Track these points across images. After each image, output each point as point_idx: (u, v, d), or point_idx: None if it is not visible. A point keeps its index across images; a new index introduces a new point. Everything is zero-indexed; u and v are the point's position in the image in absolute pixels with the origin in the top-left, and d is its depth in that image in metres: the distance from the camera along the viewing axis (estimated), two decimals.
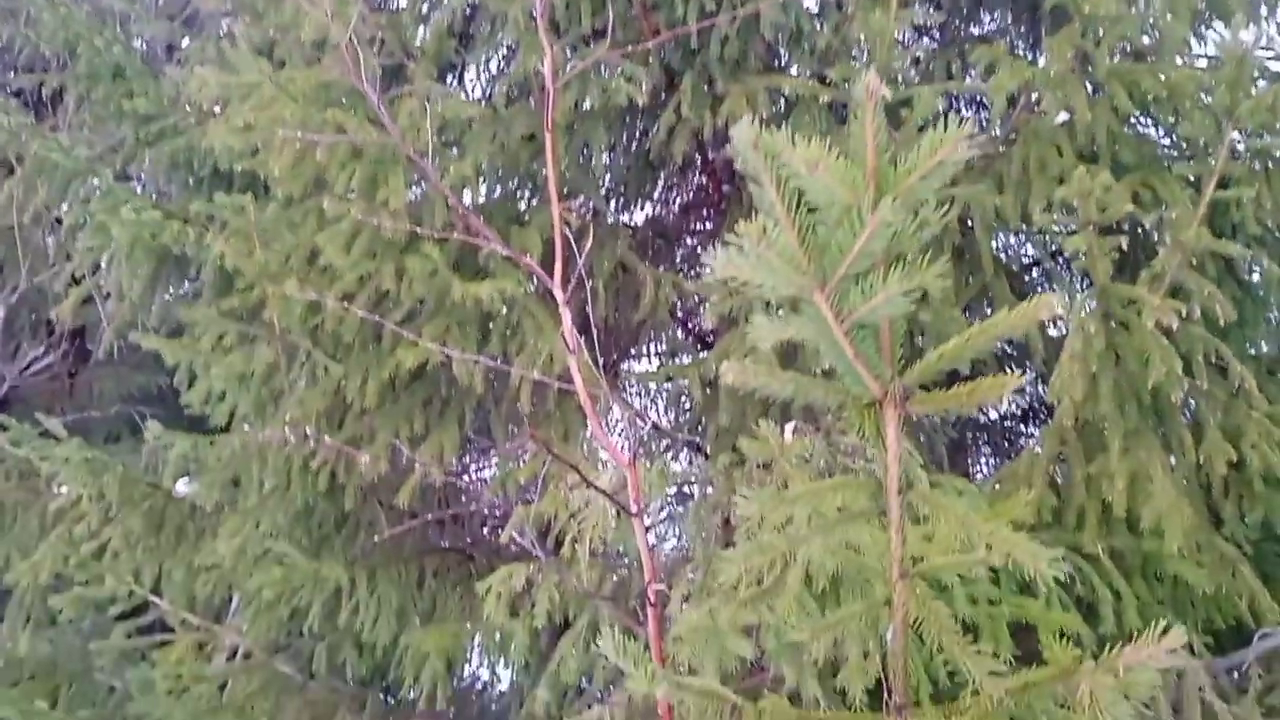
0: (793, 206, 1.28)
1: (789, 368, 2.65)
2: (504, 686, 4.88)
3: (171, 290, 4.68)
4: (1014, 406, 5.37)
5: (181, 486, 4.20)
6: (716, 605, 2.98)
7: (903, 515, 1.52)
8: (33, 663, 4.44)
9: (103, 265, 4.27)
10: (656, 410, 4.92)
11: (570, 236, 3.03)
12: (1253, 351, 4.05)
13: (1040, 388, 5.33)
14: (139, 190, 4.90)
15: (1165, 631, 1.30)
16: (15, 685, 4.29)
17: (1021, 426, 5.35)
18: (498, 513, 4.75)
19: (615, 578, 3.43)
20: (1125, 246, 3.03)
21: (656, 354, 5.15)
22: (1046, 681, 1.41)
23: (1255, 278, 3.92)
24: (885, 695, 1.92)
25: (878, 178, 1.23)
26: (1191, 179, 3.40)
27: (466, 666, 4.91)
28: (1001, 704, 1.44)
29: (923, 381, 1.41)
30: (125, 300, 4.30)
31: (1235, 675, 3.26)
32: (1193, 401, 3.29)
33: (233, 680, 3.94)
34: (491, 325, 3.75)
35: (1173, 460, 3.26)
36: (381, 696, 4.34)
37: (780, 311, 1.43)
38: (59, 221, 5.70)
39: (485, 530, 4.80)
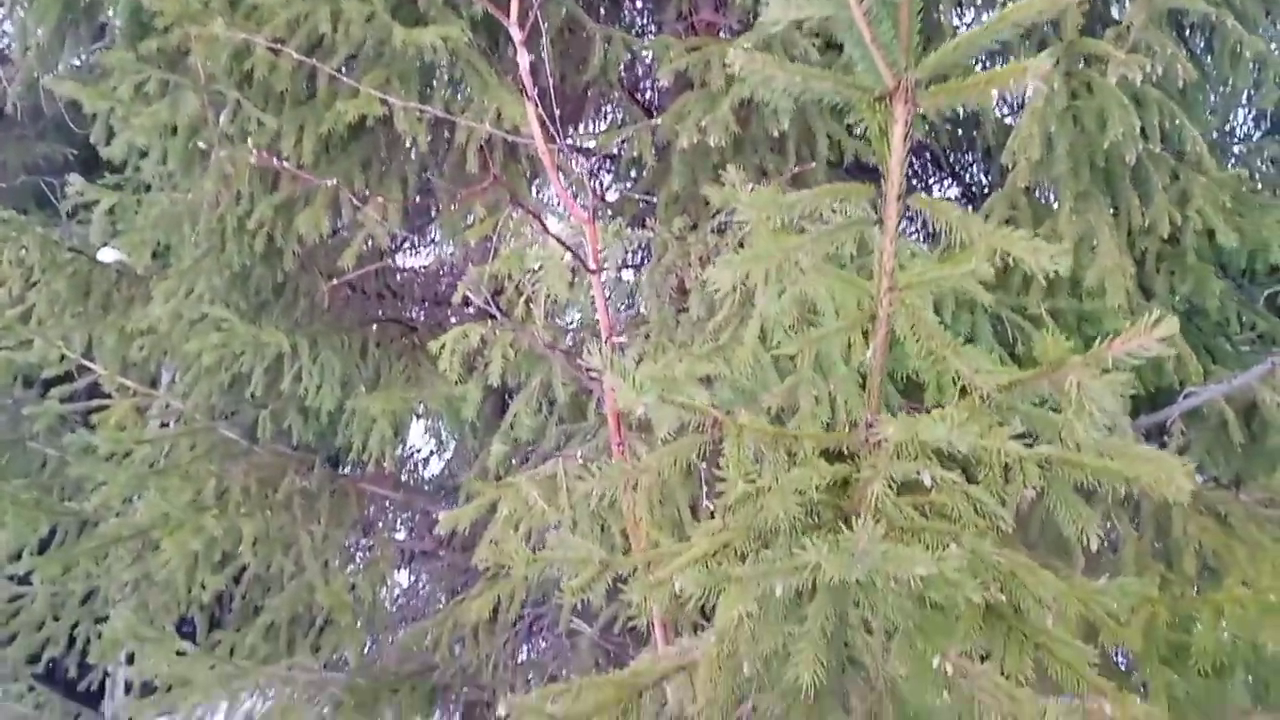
0: None
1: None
2: (449, 454, 4.96)
3: (81, 49, 4.34)
4: (955, 188, 5.40)
5: (107, 254, 4.02)
6: (673, 358, 3.02)
7: (898, 223, 1.50)
8: None
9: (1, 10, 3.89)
10: (600, 185, 4.82)
11: None
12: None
13: (981, 174, 5.38)
14: None
15: (1157, 322, 1.33)
16: None
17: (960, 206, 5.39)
18: (440, 285, 4.68)
19: (569, 340, 3.43)
20: None
21: (601, 132, 4.99)
22: (1035, 378, 1.44)
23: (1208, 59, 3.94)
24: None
25: None
26: None
27: (409, 439, 4.96)
28: (988, 400, 1.47)
29: (937, 74, 1.36)
30: (29, 52, 3.96)
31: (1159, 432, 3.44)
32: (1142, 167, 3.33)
33: (175, 445, 3.90)
34: (434, 81, 3.55)
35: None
36: (328, 464, 4.36)
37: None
38: None
39: (426, 305, 4.75)
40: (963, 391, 1.52)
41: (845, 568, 1.46)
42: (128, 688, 4.78)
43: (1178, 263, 3.46)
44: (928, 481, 1.67)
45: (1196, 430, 3.49)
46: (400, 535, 4.91)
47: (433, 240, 5.03)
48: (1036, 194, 3.50)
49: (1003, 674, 1.79)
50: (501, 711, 1.82)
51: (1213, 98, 4.29)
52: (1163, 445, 3.38)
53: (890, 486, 1.67)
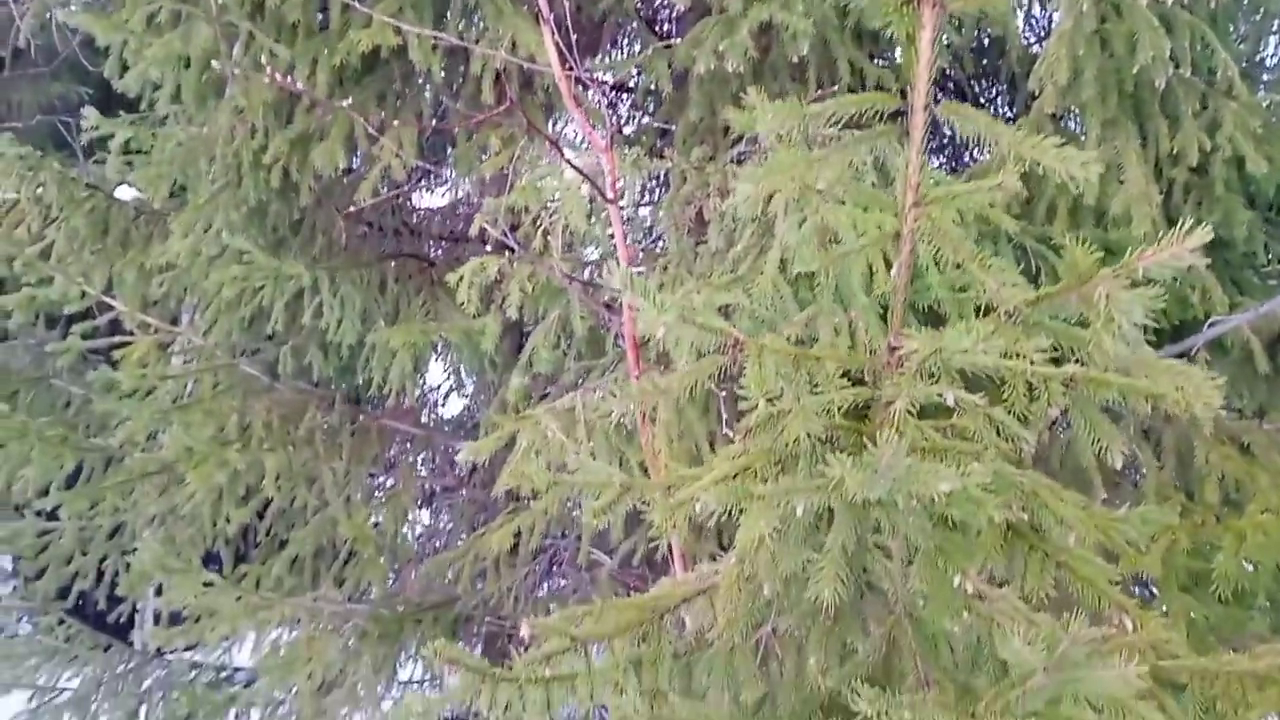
0: None
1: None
2: (468, 393, 4.98)
3: None
4: None
5: (124, 191, 4.01)
6: (693, 288, 3.00)
7: (925, 134, 1.46)
8: None
9: None
10: (618, 117, 4.76)
11: None
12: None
13: (1005, 105, 5.28)
14: None
15: (1189, 233, 1.30)
16: None
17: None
18: (458, 222, 4.66)
19: (586, 273, 3.41)
20: None
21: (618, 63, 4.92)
22: (1062, 291, 1.42)
23: None
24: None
25: None
26: None
27: (429, 378, 4.98)
28: (1015, 315, 1.45)
29: None
30: None
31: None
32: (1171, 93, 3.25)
33: (198, 381, 3.93)
34: (448, 11, 3.50)
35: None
36: (349, 401, 4.38)
37: None
38: None
39: (443, 242, 4.73)
40: (987, 311, 1.50)
41: (868, 484, 1.45)
42: (157, 619, 4.88)
43: (1205, 192, 3.39)
44: (950, 402, 1.65)
45: (1221, 361, 3.45)
46: (421, 472, 4.95)
47: (449, 178, 5.00)
48: (1063, 121, 3.43)
49: (1023, 597, 1.80)
50: (525, 633, 1.83)
51: (1243, 26, 4.18)
52: None
53: (912, 408, 1.66)
